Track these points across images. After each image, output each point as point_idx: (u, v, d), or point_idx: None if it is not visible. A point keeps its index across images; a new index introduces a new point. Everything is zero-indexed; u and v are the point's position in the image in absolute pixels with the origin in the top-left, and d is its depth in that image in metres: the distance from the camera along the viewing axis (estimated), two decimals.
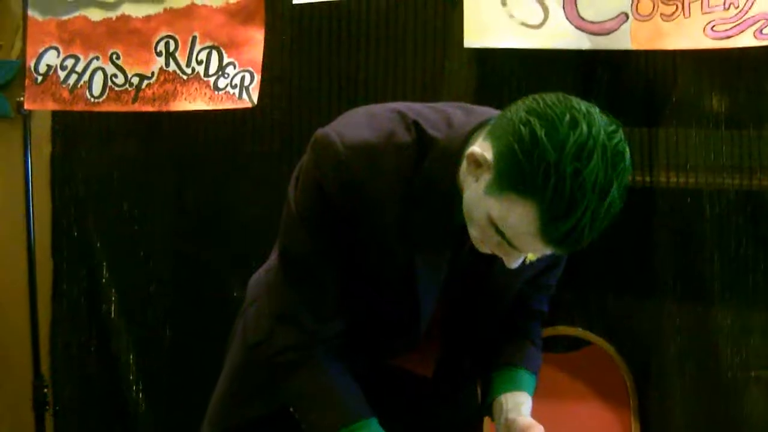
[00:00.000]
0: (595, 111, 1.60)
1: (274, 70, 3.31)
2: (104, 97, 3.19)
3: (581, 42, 2.94)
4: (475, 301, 1.94)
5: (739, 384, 3.32)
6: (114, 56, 3.18)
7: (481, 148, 1.64)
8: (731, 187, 3.32)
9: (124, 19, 3.19)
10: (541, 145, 1.55)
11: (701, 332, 3.32)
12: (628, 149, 1.61)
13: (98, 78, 3.20)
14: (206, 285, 3.45)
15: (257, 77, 3.13)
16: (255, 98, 3.12)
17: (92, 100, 3.21)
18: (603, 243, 3.25)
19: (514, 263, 1.71)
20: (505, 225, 1.62)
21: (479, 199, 1.64)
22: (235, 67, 3.14)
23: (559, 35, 2.94)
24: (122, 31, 3.19)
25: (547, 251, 1.65)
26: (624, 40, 2.92)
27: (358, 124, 1.78)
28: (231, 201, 3.41)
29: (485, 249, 1.71)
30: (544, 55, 3.10)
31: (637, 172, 3.30)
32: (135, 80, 3.17)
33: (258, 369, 1.97)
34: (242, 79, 3.13)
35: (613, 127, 1.59)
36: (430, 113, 1.78)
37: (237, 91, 3.13)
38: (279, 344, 1.88)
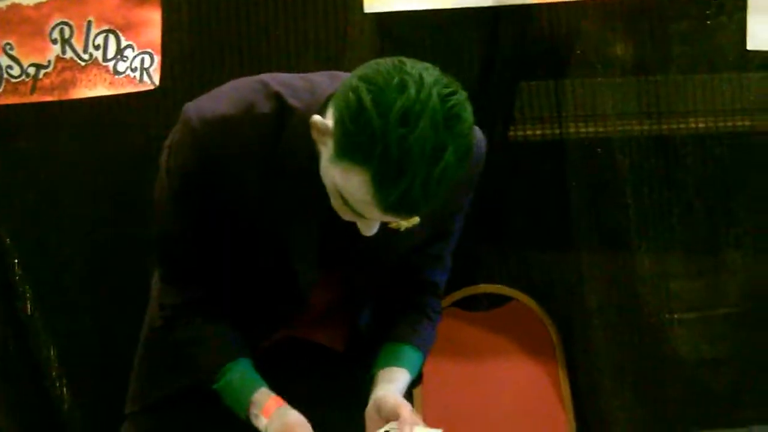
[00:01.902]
0: (431, 74, 1.58)
1: (174, 50, 3.32)
2: (0, 90, 3.17)
3: None
4: (361, 270, 1.96)
5: (662, 328, 3.41)
6: (7, 47, 3.15)
7: (328, 115, 1.65)
8: (641, 133, 3.39)
9: (15, 8, 3.16)
10: (367, 112, 1.55)
11: (622, 280, 3.40)
12: (468, 112, 1.60)
13: None
14: (124, 271, 3.45)
15: (157, 58, 3.12)
16: (157, 80, 3.12)
17: None
18: (519, 198, 3.39)
19: (368, 231, 1.71)
20: (345, 193, 1.63)
21: (326, 168, 1.66)
22: (134, 50, 3.14)
23: None
24: (14, 21, 3.16)
25: (387, 218, 1.66)
26: None
27: (219, 96, 1.81)
28: (142, 184, 3.40)
29: (345, 217, 1.71)
30: (447, 17, 3.16)
31: (546, 125, 3.37)
32: (31, 70, 3.14)
33: (165, 343, 2.02)
34: (142, 61, 3.13)
35: (449, 90, 1.58)
36: (296, 82, 1.79)
37: (138, 74, 3.13)
38: (164, 303, 1.97)
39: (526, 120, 3.38)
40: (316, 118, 1.65)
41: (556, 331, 3.38)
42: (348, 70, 3.21)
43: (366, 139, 1.55)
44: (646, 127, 3.40)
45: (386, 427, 1.84)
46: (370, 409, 1.89)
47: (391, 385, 1.92)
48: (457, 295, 3.37)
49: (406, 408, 1.84)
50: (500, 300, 3.43)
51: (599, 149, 3.36)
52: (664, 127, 3.41)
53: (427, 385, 2.91)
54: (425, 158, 1.54)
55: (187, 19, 3.37)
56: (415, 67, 1.59)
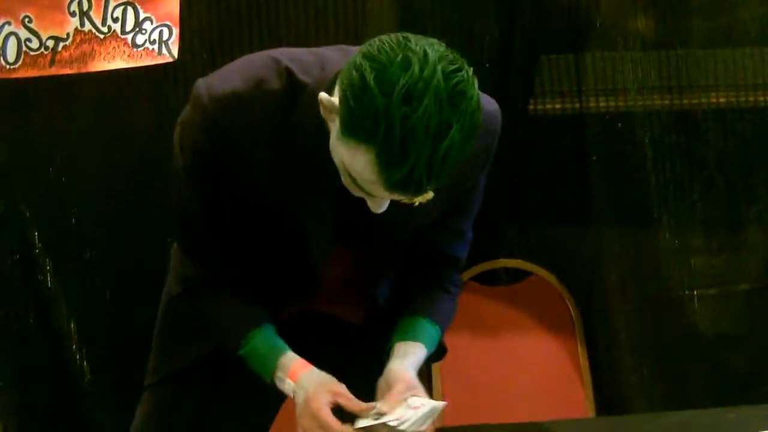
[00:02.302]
0: (436, 50, 1.57)
1: (193, 23, 3.32)
2: (20, 63, 3.17)
3: None
4: (376, 245, 1.97)
5: (681, 304, 3.42)
6: (26, 20, 3.16)
7: (335, 92, 1.64)
8: (662, 108, 3.39)
9: None
10: (370, 90, 1.53)
11: (641, 256, 3.41)
12: (474, 89, 1.59)
13: (12, 44, 3.17)
14: (143, 244, 3.47)
15: (176, 31, 3.13)
16: (175, 53, 3.13)
17: (7, 67, 3.18)
18: (539, 173, 3.39)
19: (378, 208, 1.70)
20: (352, 171, 1.62)
21: (334, 145, 1.64)
22: (152, 23, 3.14)
23: None
24: None
25: (395, 197, 1.64)
26: None
27: (230, 73, 1.80)
28: (158, 158, 3.42)
29: (355, 193, 1.70)
30: None
31: (566, 99, 3.36)
32: (50, 43, 3.15)
33: (184, 313, 2.07)
34: (161, 33, 3.13)
35: (454, 67, 1.57)
36: (307, 57, 1.79)
37: (156, 47, 3.14)
38: (185, 273, 2.02)
39: (546, 94, 3.37)
40: (323, 95, 1.64)
41: (575, 306, 3.39)
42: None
43: (369, 119, 1.54)
44: (666, 102, 3.40)
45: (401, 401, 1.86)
46: (381, 381, 1.91)
47: (405, 359, 1.94)
48: (477, 269, 3.38)
49: (403, 383, 1.86)
50: (520, 275, 3.43)
51: (620, 124, 3.36)
52: (685, 101, 3.40)
53: (446, 360, 2.93)
54: (429, 137, 1.53)
55: None
56: (419, 43, 1.57)
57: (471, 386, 3.28)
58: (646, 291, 3.42)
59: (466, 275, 3.34)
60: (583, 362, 3.34)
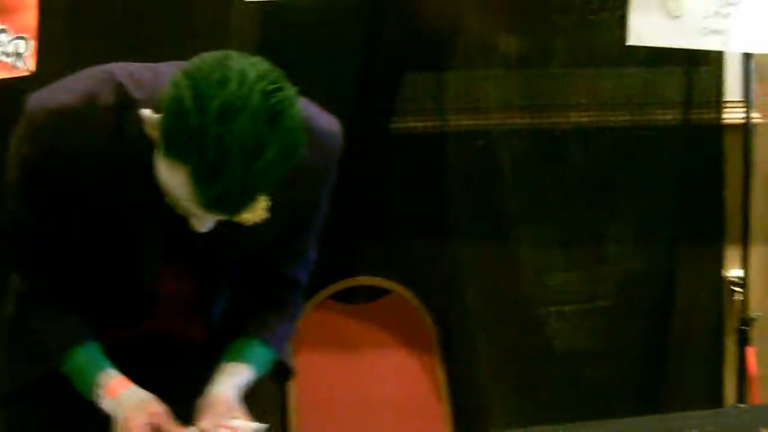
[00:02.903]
0: (257, 69, 1.58)
1: (50, 35, 3.27)
2: None
3: None
4: (211, 263, 1.97)
5: (539, 320, 3.46)
6: None
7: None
8: (523, 126, 3.43)
9: None
10: (185, 108, 1.54)
11: (501, 273, 3.44)
12: (295, 109, 1.60)
13: None
14: None
15: (33, 43, 3.08)
16: (32, 66, 3.08)
17: None
18: (399, 191, 3.41)
19: (201, 227, 1.70)
20: (170, 188, 1.62)
21: (157, 162, 1.64)
22: (8, 35, 3.09)
23: None
24: None
25: (212, 216, 1.65)
26: None
27: (63, 87, 1.80)
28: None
29: (178, 211, 1.70)
30: (331, 6, 3.16)
31: (428, 117, 3.39)
32: None
33: (18, 331, 2.04)
34: (17, 46, 3.09)
35: (274, 86, 1.58)
36: (143, 73, 1.79)
37: (12, 59, 3.09)
38: (16, 290, 2.01)
39: (408, 112, 3.38)
40: (146, 112, 1.64)
41: (434, 323, 3.40)
42: None
43: (184, 137, 1.54)
44: (527, 120, 3.44)
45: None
46: (201, 403, 1.91)
47: (228, 380, 1.94)
48: (336, 287, 3.37)
49: (218, 407, 1.87)
50: (379, 292, 3.43)
51: (480, 142, 3.39)
52: (545, 120, 3.45)
53: (303, 378, 2.93)
54: (244, 156, 1.54)
55: (63, 4, 3.32)
56: (240, 62, 1.58)
57: (329, 405, 3.27)
58: (505, 308, 3.46)
59: (325, 293, 3.35)
60: (442, 379, 3.36)
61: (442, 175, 3.39)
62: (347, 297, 3.40)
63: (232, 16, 3.34)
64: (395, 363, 3.37)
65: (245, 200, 1.59)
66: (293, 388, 3.17)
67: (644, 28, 3.10)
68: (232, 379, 1.94)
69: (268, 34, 3.30)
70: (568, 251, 3.51)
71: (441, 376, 3.36)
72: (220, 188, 1.56)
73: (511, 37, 3.43)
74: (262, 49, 3.30)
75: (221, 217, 1.66)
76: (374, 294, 3.44)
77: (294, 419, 3.13)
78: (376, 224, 3.38)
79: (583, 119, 3.48)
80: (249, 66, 1.58)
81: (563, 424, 2.28)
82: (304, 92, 3.16)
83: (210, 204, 1.59)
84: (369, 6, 3.28)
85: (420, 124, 3.39)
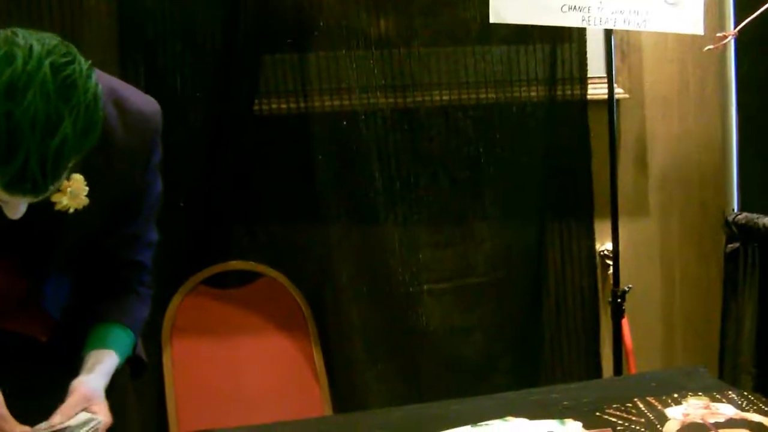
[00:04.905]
0: (46, 44, 1.55)
1: None
2: None
3: None
4: (36, 255, 1.93)
5: (412, 299, 3.53)
6: None
7: None
8: (386, 106, 3.47)
9: None
10: None
11: (371, 252, 3.50)
12: (91, 82, 1.59)
13: None
14: None
15: None
16: None
17: None
18: (266, 173, 3.41)
19: (13, 214, 1.67)
20: None
21: None
22: None
23: None
24: None
25: (17, 199, 1.60)
26: None
27: None
28: None
29: None
30: None
31: (291, 98, 3.40)
32: None
33: None
34: None
35: (65, 60, 1.56)
36: None
37: None
38: None
39: (271, 93, 3.39)
40: None
41: (307, 305, 3.44)
42: (86, 41, 3.16)
43: None
44: (391, 100, 3.48)
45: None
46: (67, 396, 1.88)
47: (91, 370, 1.92)
48: (207, 272, 3.39)
49: (78, 396, 1.85)
50: (251, 276, 3.45)
51: (345, 122, 3.42)
52: (409, 99, 3.50)
53: (179, 363, 2.93)
54: (37, 132, 1.51)
55: None
56: (28, 38, 1.56)
57: (206, 390, 3.28)
58: (378, 287, 3.51)
59: (197, 278, 3.36)
60: (318, 361, 3.39)
61: (308, 156, 3.42)
62: (220, 282, 3.40)
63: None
64: (271, 346, 3.40)
65: (47, 178, 1.55)
66: (169, 375, 3.16)
67: (506, 6, 3.17)
68: (95, 369, 1.93)
69: (125, 18, 3.26)
70: (437, 229, 3.57)
71: (317, 357, 3.39)
72: (16, 166, 1.52)
73: (372, 17, 3.45)
74: (119, 33, 3.27)
75: (29, 199, 1.62)
76: (247, 278, 3.46)
77: (171, 405, 3.12)
78: (244, 208, 3.38)
79: (446, 98, 3.54)
80: (37, 41, 1.55)
81: (441, 401, 2.30)
82: (163, 77, 3.19)
83: (10, 184, 1.55)
84: None
85: (284, 106, 3.40)
